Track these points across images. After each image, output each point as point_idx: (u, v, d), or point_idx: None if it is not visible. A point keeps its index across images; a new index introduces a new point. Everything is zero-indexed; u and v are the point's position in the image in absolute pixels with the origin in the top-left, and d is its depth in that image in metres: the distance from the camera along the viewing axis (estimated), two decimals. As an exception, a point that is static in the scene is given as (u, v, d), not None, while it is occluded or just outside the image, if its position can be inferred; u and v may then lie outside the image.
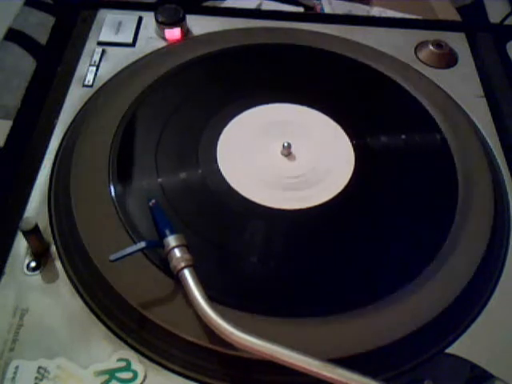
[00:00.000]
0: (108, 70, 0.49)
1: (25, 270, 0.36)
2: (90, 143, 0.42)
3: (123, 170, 0.40)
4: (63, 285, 0.35)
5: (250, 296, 0.35)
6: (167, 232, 0.34)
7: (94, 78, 0.48)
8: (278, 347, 0.29)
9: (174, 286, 0.34)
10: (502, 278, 0.38)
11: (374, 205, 0.40)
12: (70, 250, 0.37)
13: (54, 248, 0.37)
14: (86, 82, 0.48)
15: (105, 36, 0.52)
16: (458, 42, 0.54)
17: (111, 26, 0.53)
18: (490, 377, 0.32)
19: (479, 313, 0.36)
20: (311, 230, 0.39)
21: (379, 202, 0.41)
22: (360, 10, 0.61)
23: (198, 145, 0.43)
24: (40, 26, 0.53)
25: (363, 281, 0.36)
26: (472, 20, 0.60)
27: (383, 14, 0.60)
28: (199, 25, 0.53)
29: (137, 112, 0.44)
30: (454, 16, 0.61)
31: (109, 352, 0.33)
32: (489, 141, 0.46)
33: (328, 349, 0.32)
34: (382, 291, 0.35)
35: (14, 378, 0.31)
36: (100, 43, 0.51)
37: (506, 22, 0.58)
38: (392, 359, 0.33)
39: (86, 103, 0.46)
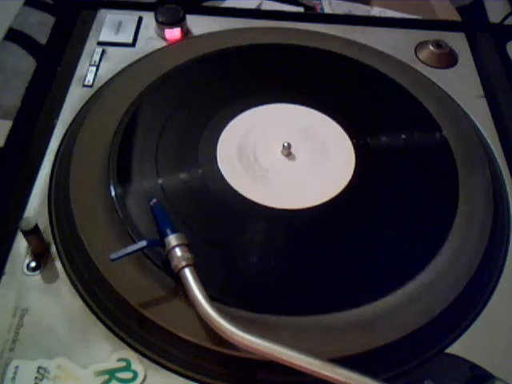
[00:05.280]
0: (108, 69, 0.49)
1: (25, 269, 0.36)
2: (90, 143, 0.42)
3: (123, 170, 0.40)
4: (63, 285, 0.35)
5: (251, 295, 0.35)
6: (168, 231, 0.34)
7: (94, 78, 0.48)
8: (278, 347, 0.29)
9: (174, 286, 0.34)
10: (503, 278, 0.38)
11: (375, 204, 0.40)
12: (70, 250, 0.37)
13: (54, 248, 0.37)
14: (86, 82, 0.48)
15: (105, 36, 0.52)
16: (458, 41, 0.54)
17: (111, 25, 0.53)
18: (490, 377, 0.32)
19: (479, 313, 0.36)
20: (311, 230, 0.39)
21: (379, 202, 0.41)
22: (360, 10, 0.61)
23: (198, 145, 0.43)
24: (40, 25, 0.53)
25: (363, 280, 0.36)
26: (472, 20, 0.60)
27: (383, 14, 0.60)
28: (199, 25, 0.53)
29: (137, 112, 0.44)
30: (454, 16, 0.61)
31: (109, 352, 0.33)
32: (489, 141, 0.46)
33: (328, 349, 0.32)
34: (382, 291, 0.35)
35: (13, 377, 0.31)
36: (100, 43, 0.51)
37: (506, 22, 0.58)
38: (392, 359, 0.33)
39: (85, 103, 0.46)
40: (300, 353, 0.29)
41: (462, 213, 0.39)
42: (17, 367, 0.32)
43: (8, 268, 0.36)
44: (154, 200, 0.37)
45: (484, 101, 0.49)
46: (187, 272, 0.32)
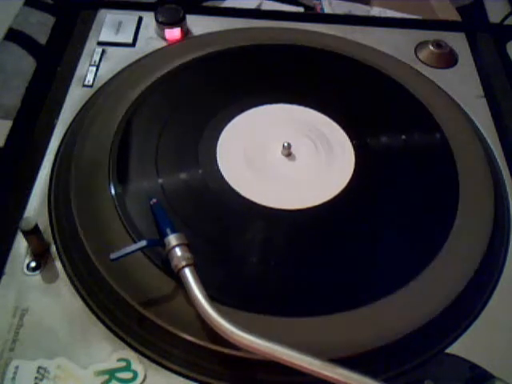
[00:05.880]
0: (108, 69, 0.49)
1: (25, 269, 0.36)
2: (89, 143, 0.42)
3: (123, 170, 0.40)
4: (63, 285, 0.35)
5: (250, 295, 0.35)
6: (168, 231, 0.34)
7: (94, 78, 0.48)
8: (278, 346, 0.29)
9: (174, 286, 0.34)
10: (502, 278, 0.38)
11: (374, 205, 0.40)
12: (69, 250, 0.37)
13: (54, 248, 0.37)
14: (86, 82, 0.48)
15: (105, 36, 0.52)
16: (458, 41, 0.54)
17: (111, 25, 0.53)
18: (490, 377, 0.32)
19: (479, 313, 0.36)
20: (311, 230, 0.39)
21: (379, 202, 0.41)
22: (360, 10, 0.61)
23: (198, 145, 0.43)
24: (40, 25, 0.53)
25: (363, 280, 0.36)
26: (472, 20, 0.60)
27: (383, 14, 0.60)
28: (199, 25, 0.53)
29: (137, 112, 0.44)
30: (454, 16, 0.61)
31: (109, 352, 0.33)
32: (489, 141, 0.46)
33: (328, 349, 0.32)
34: (382, 291, 0.35)
35: (13, 377, 0.31)
36: (100, 43, 0.51)
37: (506, 22, 0.58)
38: (392, 359, 0.33)
39: (86, 103, 0.46)
40: (300, 353, 0.29)
41: (462, 213, 0.39)
42: (17, 367, 0.32)
43: (8, 268, 0.36)
44: (154, 200, 0.37)
45: (484, 101, 0.49)
46: (187, 272, 0.32)
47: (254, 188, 0.40)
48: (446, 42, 0.53)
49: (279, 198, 0.40)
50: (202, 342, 0.32)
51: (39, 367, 0.32)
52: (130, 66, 0.49)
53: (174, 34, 0.52)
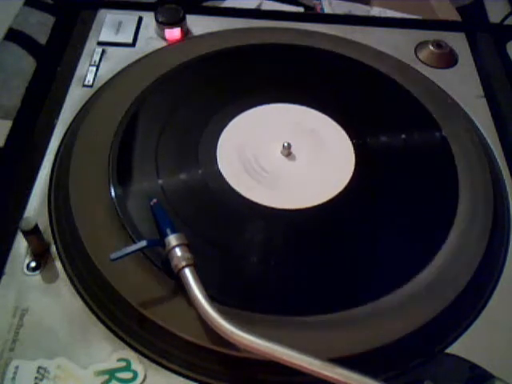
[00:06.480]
0: (108, 69, 0.49)
1: (25, 269, 0.36)
2: (89, 143, 0.42)
3: (123, 170, 0.40)
4: (63, 285, 0.35)
5: (250, 295, 0.35)
6: (168, 231, 0.34)
7: (94, 78, 0.48)
8: (278, 347, 0.29)
9: (174, 286, 0.34)
10: (503, 278, 0.38)
11: (374, 204, 0.40)
12: (69, 250, 0.37)
13: (54, 248, 0.37)
14: (86, 82, 0.48)
15: (105, 36, 0.52)
16: (458, 41, 0.54)
17: (111, 25, 0.53)
18: (490, 377, 0.32)
19: (479, 313, 0.36)
20: (311, 230, 0.39)
21: (379, 202, 0.41)
22: (360, 10, 0.61)
23: (198, 145, 0.43)
24: (40, 25, 0.53)
25: (363, 280, 0.36)
26: (472, 20, 0.60)
27: (383, 14, 0.60)
28: (199, 25, 0.53)
29: (137, 112, 0.44)
30: (454, 16, 0.61)
31: (109, 352, 0.33)
32: (489, 141, 0.46)
33: (328, 349, 0.32)
34: (381, 291, 0.35)
35: (13, 377, 0.31)
36: (100, 43, 0.51)
37: (506, 22, 0.58)
38: (392, 359, 0.33)
39: (86, 103, 0.46)
40: (300, 353, 0.29)
41: (462, 213, 0.39)
42: (17, 367, 0.32)
43: (8, 268, 0.36)
44: (154, 200, 0.37)
45: (484, 101, 0.49)
46: (187, 272, 0.32)
47: (254, 188, 0.40)
48: (446, 41, 0.53)
49: (279, 197, 0.40)
50: (201, 342, 0.32)
51: (39, 367, 0.32)
52: (129, 66, 0.49)
53: (173, 33, 0.52)
